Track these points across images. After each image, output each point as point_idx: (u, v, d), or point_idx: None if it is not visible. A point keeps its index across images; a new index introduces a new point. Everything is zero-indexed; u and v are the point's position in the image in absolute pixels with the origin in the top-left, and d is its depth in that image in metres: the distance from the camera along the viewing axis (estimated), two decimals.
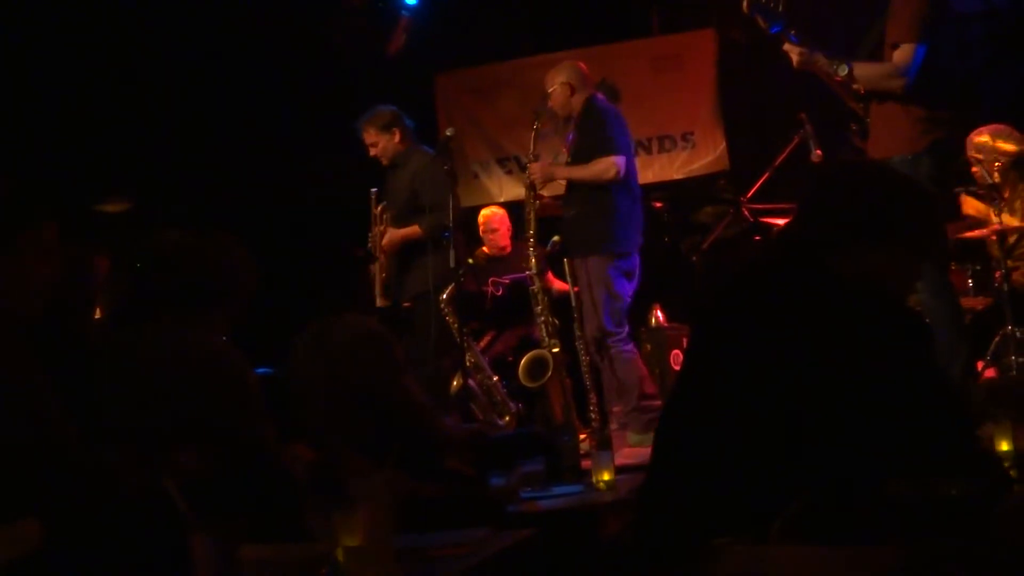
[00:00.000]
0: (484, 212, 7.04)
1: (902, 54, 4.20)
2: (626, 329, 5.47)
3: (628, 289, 5.44)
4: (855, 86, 4.32)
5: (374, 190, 5.89)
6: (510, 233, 6.90)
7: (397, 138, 5.82)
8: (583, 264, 5.46)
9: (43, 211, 2.09)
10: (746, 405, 2.03)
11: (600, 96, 5.70)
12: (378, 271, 5.70)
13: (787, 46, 4.40)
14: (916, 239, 2.24)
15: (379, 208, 5.85)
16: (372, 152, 5.88)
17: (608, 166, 5.35)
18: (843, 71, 4.27)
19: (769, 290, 2.17)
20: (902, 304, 2.25)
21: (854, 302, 2.07)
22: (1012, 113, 5.59)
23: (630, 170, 5.47)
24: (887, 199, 2.21)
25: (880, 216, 2.18)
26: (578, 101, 5.57)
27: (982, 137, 5.40)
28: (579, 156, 5.52)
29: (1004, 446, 3.24)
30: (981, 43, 6.81)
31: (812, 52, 4.33)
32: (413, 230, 5.69)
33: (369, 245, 5.80)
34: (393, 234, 5.79)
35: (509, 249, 6.85)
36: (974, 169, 5.33)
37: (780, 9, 4.35)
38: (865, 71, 4.29)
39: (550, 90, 5.62)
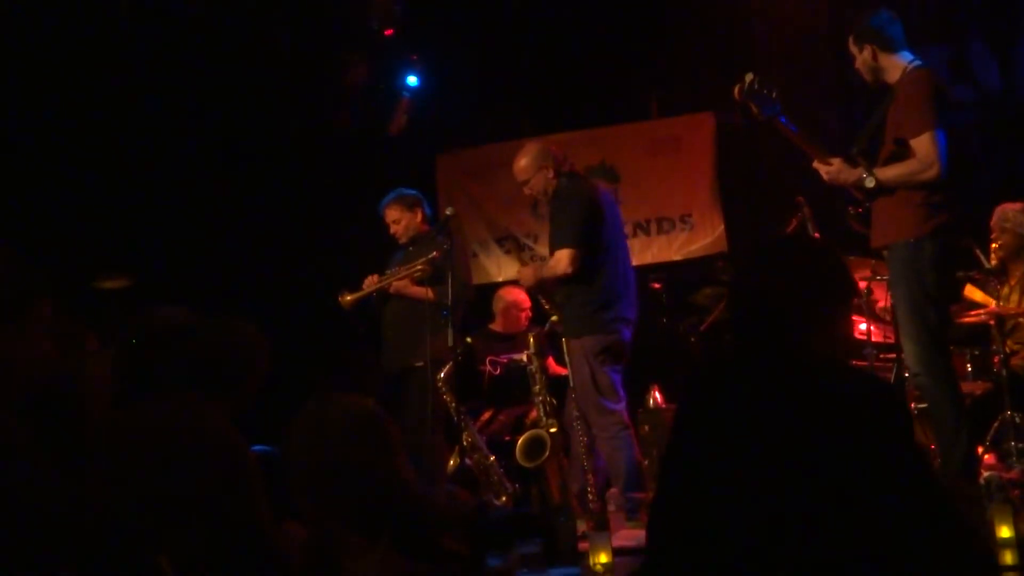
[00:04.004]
0: (513, 289, 6.86)
1: (923, 145, 4.16)
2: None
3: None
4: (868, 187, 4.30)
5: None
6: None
7: (419, 218, 5.97)
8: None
9: (45, 286, 2.11)
10: (730, 490, 2.04)
11: (569, 177, 5.27)
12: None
13: (816, 164, 4.43)
14: (844, 290, 2.26)
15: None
16: (393, 229, 5.98)
17: (556, 261, 5.10)
18: (870, 183, 4.27)
19: (739, 378, 2.17)
20: (870, 376, 2.29)
21: (823, 381, 2.08)
22: (1005, 199, 5.62)
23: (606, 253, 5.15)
24: (815, 264, 2.22)
25: (819, 281, 2.19)
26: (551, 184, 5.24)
27: (1015, 206, 5.43)
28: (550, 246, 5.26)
29: (1004, 532, 3.22)
30: (975, 129, 6.89)
31: (836, 164, 4.36)
32: (424, 291, 5.65)
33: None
34: (409, 286, 5.76)
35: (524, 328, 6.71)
36: (994, 236, 5.34)
37: (774, 95, 4.40)
38: (891, 174, 4.26)
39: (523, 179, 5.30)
